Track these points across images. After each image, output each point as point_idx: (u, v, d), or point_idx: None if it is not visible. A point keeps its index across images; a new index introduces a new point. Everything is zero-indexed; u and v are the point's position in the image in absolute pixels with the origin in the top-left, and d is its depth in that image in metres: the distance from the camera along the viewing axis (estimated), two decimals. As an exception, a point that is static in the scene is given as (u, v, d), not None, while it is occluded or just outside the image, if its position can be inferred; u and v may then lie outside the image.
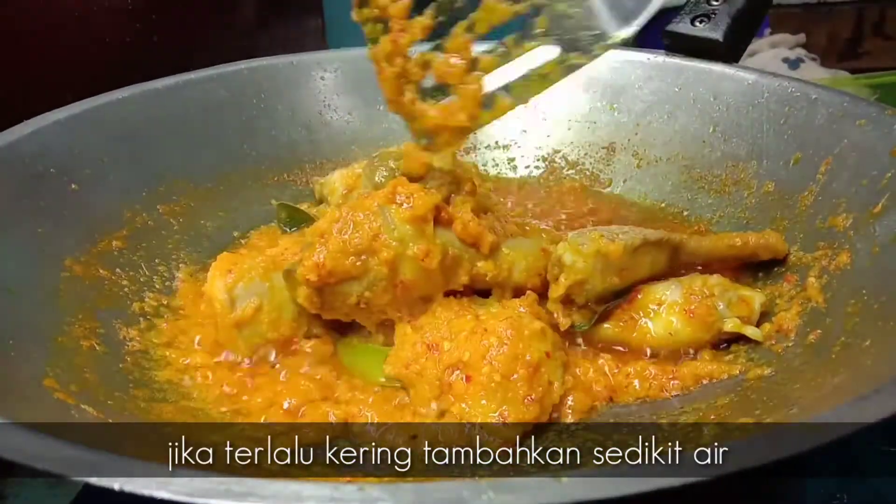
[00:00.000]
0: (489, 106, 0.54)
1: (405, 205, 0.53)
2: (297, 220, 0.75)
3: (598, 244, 0.55)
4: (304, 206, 0.78)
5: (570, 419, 0.50)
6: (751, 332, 0.55)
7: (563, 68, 0.54)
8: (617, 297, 0.58)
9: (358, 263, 0.52)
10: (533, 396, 0.48)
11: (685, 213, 0.74)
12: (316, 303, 0.53)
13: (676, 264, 0.61)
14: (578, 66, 0.54)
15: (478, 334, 0.50)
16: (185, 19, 0.92)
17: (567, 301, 0.58)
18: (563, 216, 0.76)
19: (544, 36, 0.54)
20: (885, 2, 1.72)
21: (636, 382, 0.53)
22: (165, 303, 0.63)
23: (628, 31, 0.54)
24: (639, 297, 0.57)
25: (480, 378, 0.48)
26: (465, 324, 0.52)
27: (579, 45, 0.54)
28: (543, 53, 0.55)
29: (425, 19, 0.53)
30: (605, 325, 0.57)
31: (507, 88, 0.55)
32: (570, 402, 0.51)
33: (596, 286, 0.56)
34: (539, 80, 0.55)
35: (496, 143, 0.88)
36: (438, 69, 0.54)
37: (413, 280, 0.53)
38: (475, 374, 0.48)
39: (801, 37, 1.45)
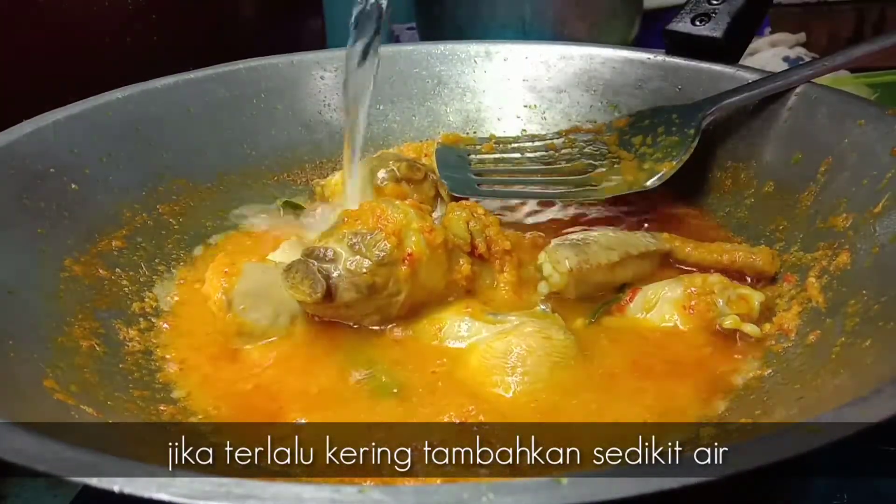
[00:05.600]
0: None
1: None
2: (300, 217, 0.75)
3: (573, 263, 0.57)
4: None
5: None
6: (749, 329, 0.55)
7: None
8: (617, 293, 0.59)
9: None
10: None
11: (685, 212, 0.74)
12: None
13: (668, 267, 0.63)
14: None
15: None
16: (185, 19, 0.92)
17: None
18: (562, 216, 0.76)
19: None
20: (885, 2, 1.72)
21: None
22: (165, 303, 0.63)
23: None
24: (639, 293, 0.58)
25: None
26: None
27: None
28: None
29: None
30: (605, 321, 0.58)
31: None
32: None
33: (572, 296, 0.59)
34: None
35: (496, 142, 0.88)
36: None
37: (419, 254, 0.53)
38: None
39: (802, 36, 1.44)
